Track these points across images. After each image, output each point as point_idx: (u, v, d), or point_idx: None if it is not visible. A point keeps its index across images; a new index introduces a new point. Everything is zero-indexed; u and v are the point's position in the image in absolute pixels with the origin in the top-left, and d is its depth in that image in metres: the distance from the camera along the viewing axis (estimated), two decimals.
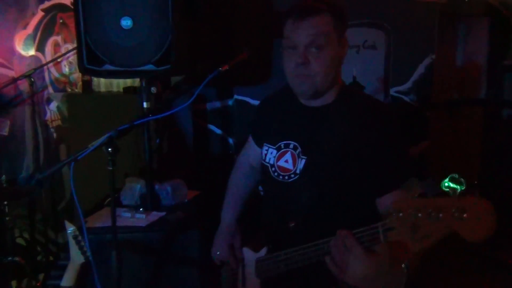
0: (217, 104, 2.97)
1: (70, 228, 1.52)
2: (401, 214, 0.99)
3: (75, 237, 1.51)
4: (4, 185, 2.41)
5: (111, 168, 1.41)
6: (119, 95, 2.80)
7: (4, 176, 2.34)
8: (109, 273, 1.61)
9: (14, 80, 2.78)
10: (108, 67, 2.12)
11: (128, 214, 2.17)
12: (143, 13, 2.07)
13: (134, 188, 2.31)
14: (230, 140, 2.97)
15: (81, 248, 1.52)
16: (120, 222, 1.92)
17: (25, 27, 2.87)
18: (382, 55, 2.94)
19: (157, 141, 2.32)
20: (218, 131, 2.97)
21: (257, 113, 1.64)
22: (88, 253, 1.48)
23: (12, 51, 2.87)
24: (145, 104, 2.24)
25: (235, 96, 2.92)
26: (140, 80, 2.22)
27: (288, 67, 1.35)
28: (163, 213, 2.21)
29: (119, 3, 2.08)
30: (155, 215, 2.19)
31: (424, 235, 0.95)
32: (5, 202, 2.29)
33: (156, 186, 2.32)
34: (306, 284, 1.41)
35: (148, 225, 2.09)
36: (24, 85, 2.80)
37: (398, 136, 1.33)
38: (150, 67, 2.10)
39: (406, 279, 1.19)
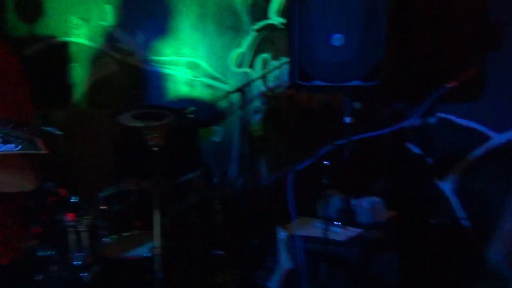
0: (417, 121, 2.81)
1: (283, 234, 1.61)
2: None
3: (286, 243, 1.60)
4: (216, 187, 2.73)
5: (326, 181, 1.45)
6: (318, 110, 2.89)
7: (217, 178, 2.63)
8: (311, 282, 1.66)
9: (228, 93, 3.13)
10: (317, 82, 2.22)
11: (323, 226, 2.21)
12: (355, 30, 2.10)
13: (332, 200, 2.34)
14: (430, 161, 2.77)
15: (291, 254, 1.60)
16: (314, 233, 1.97)
17: (239, 46, 3.20)
18: None
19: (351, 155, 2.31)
20: (417, 150, 2.81)
21: None
22: (301, 261, 1.55)
23: (227, 67, 3.23)
24: (347, 120, 2.27)
25: (438, 114, 2.73)
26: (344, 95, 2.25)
27: None
28: (361, 230, 2.18)
29: (332, 21, 2.15)
30: (352, 231, 2.18)
31: None
32: (217, 201, 2.58)
33: (353, 201, 2.31)
34: None
35: (347, 240, 2.09)
36: (236, 98, 3.12)
37: None
38: (357, 83, 2.12)
39: None
